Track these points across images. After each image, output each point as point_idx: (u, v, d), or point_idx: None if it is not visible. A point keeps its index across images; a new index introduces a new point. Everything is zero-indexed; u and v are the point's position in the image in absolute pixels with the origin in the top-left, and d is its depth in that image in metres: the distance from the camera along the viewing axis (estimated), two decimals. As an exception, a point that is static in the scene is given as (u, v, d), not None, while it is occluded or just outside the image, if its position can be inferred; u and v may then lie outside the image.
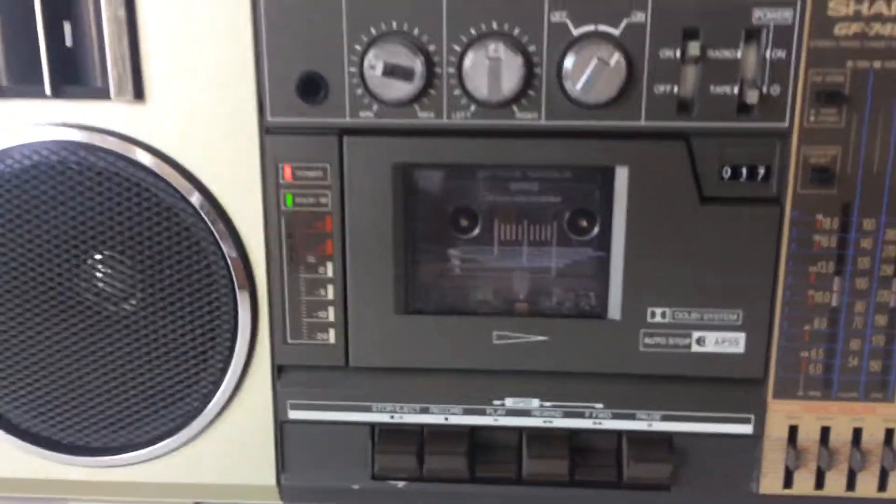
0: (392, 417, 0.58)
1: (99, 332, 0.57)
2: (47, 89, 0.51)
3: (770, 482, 0.58)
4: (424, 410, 0.57)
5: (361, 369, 0.57)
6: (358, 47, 0.50)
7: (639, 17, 0.50)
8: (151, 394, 0.58)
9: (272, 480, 0.59)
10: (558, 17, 0.50)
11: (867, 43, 0.50)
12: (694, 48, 0.50)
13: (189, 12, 0.50)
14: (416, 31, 0.50)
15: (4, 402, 0.58)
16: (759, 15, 0.49)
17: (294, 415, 0.58)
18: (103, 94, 0.52)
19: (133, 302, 0.56)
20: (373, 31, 0.50)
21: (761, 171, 0.52)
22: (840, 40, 0.50)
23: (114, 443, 0.59)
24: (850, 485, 0.58)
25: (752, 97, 0.50)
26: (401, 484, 0.59)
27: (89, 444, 0.59)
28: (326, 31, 0.50)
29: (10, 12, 0.51)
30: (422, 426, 0.58)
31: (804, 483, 0.58)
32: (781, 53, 0.50)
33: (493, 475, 0.58)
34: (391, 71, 0.50)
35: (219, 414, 0.58)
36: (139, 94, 0.52)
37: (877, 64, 0.50)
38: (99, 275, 0.56)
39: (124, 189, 0.53)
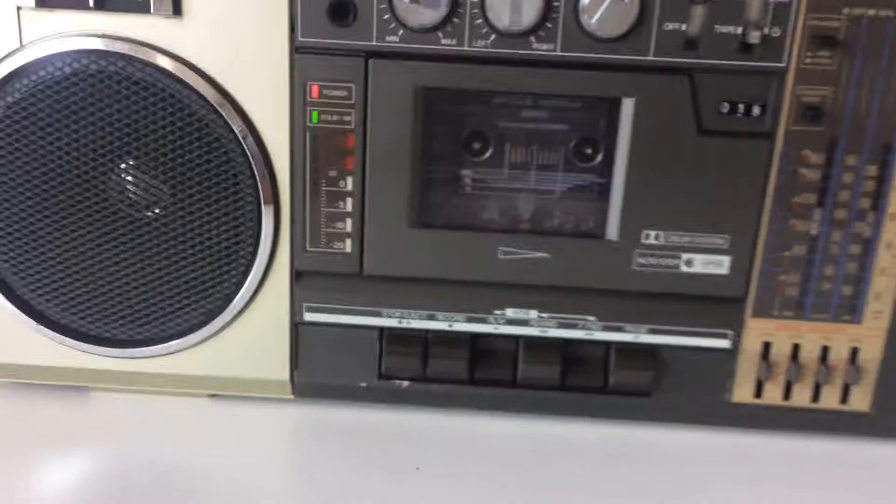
0: (400, 322, 0.61)
1: (128, 234, 0.59)
2: (90, 1, 0.53)
3: (742, 392, 0.62)
4: (430, 317, 0.61)
5: (374, 277, 0.60)
6: (387, -26, 0.53)
7: None
8: (176, 292, 0.60)
9: (286, 376, 0.63)
10: None
11: None
12: None
13: None
14: (443, -38, 0.52)
15: (38, 295, 0.61)
16: None
17: (309, 317, 0.61)
18: (143, 8, 0.53)
19: (161, 207, 0.59)
20: (402, -40, 0.52)
21: (757, 107, 0.55)
22: None
23: (139, 335, 0.62)
24: (815, 397, 0.62)
25: (754, 38, 0.53)
26: (405, 383, 0.63)
27: (116, 336, 0.62)
28: None
29: None
30: (427, 331, 0.61)
31: (773, 394, 0.62)
32: None
33: (490, 378, 0.62)
34: (418, -2, 0.53)
35: (239, 313, 0.61)
36: (177, 9, 0.54)
37: (871, 11, 0.53)
38: (129, 180, 0.58)
39: (159, 99, 0.55)
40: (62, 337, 0.62)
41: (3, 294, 0.61)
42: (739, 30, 0.53)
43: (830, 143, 0.56)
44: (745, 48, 0.54)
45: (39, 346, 0.62)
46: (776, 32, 0.53)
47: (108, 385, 0.65)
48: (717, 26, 0.53)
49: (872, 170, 0.56)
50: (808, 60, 0.54)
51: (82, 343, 0.62)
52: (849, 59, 0.54)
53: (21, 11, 0.54)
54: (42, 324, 0.61)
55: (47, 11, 0.54)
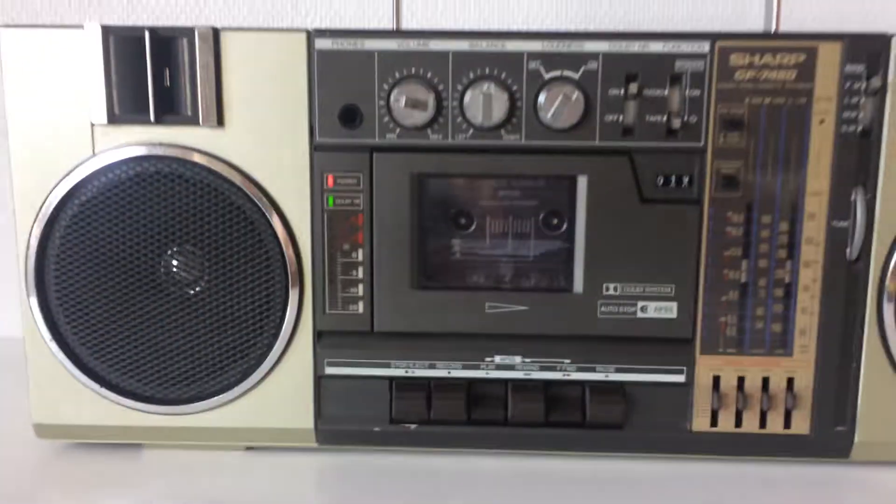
0: (406, 372, 0.72)
1: (175, 308, 0.70)
2: (151, 117, 0.67)
3: (700, 422, 0.72)
4: (432, 366, 0.72)
5: (383, 334, 0.71)
6: (386, 86, 0.67)
7: (593, 65, 0.67)
8: (217, 355, 0.71)
9: (311, 425, 0.73)
10: (534, 65, 0.67)
11: (759, 85, 0.67)
12: (634, 88, 0.67)
13: (260, 59, 0.67)
14: (429, 75, 0.67)
15: (101, 362, 0.72)
16: (681, 64, 0.67)
17: (330, 371, 0.72)
18: (194, 121, 0.67)
19: (202, 285, 0.71)
20: (397, 74, 0.67)
21: (685, 179, 0.69)
22: (740, 83, 0.67)
23: (186, 394, 0.73)
24: (762, 423, 0.71)
25: (676, 124, 0.67)
26: (413, 426, 0.73)
27: (167, 396, 0.73)
28: (363, 75, 0.67)
29: (122, 61, 0.67)
30: (430, 379, 0.72)
31: (727, 422, 0.71)
32: (697, 92, 0.67)
33: (485, 418, 0.71)
34: (410, 104, 0.67)
35: (270, 371, 0.71)
36: (220, 121, 0.68)
37: (767, 100, 0.67)
38: (176, 263, 0.71)
39: (205, 193, 0.69)
40: (120, 398, 0.73)
41: (72, 362, 0.72)
42: (665, 118, 0.67)
43: (747, 205, 0.69)
44: (671, 132, 0.68)
45: (100, 407, 0.73)
46: (694, 119, 0.67)
47: (159, 441, 0.75)
48: (647, 116, 0.67)
49: (784, 226, 0.69)
50: (721, 140, 0.68)
51: (137, 402, 0.73)
52: (754, 138, 0.68)
53: (95, 127, 0.68)
54: (104, 387, 0.73)
55: (116, 127, 0.68)
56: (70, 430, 0.75)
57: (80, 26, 0.66)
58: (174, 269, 0.71)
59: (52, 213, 0.69)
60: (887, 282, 0.69)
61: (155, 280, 0.71)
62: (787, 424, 0.72)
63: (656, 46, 0.66)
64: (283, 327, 0.71)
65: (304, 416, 0.73)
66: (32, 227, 0.69)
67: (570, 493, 0.70)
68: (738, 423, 0.72)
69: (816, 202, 0.68)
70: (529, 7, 0.95)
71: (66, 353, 0.72)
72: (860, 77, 0.66)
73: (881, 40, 0.66)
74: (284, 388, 0.73)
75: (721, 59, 0.66)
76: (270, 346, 0.72)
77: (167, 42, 0.66)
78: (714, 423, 0.72)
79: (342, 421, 0.73)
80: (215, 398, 0.73)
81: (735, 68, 0.66)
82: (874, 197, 0.68)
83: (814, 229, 0.69)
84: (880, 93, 0.66)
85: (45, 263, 0.70)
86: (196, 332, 0.72)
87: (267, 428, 0.74)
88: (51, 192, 0.69)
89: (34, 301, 0.70)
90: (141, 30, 0.66)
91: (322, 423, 0.73)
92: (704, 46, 0.66)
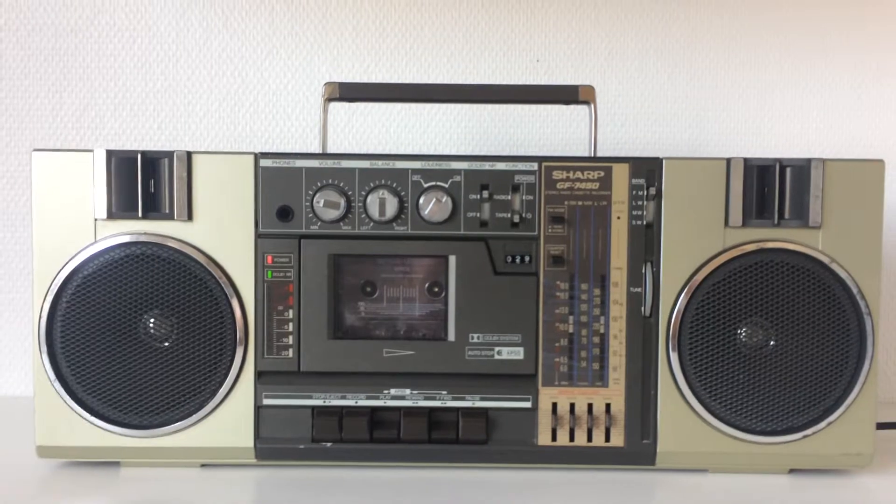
0: (324, 402, 0.95)
1: (150, 357, 1.00)
2: (139, 214, 1.00)
3: (543, 438, 0.93)
4: (343, 398, 0.94)
5: (307, 373, 0.94)
6: (310, 192, 1.01)
7: (457, 178, 0.99)
8: (180, 390, 0.94)
9: (251, 444, 0.95)
10: (416, 177, 0.96)
11: (574, 192, 1.01)
12: (487, 194, 0.95)
13: (220, 173, 0.97)
14: (341, 184, 1.01)
15: (91, 395, 0.96)
16: (519, 178, 0.98)
17: (266, 402, 0.94)
18: (169, 217, 0.95)
19: (173, 340, 1.03)
20: (318, 183, 1.01)
21: (526, 258, 0.95)
22: (561, 191, 1.00)
23: (155, 421, 0.95)
24: (589, 438, 0.93)
25: (517, 219, 0.96)
26: (329, 444, 0.94)
27: (140, 423, 0.94)
28: (294, 184, 0.99)
29: (119, 174, 0.99)
30: (341, 407, 0.94)
31: (563, 437, 0.93)
32: (531, 197, 0.97)
33: (383, 437, 0.92)
34: (328, 205, 1.02)
35: (220, 402, 0.93)
36: (190, 217, 0.98)
37: (580, 202, 1.02)
38: (153, 323, 1.04)
39: (176, 269, 0.98)
40: (105, 423, 0.99)
41: (70, 396, 1.02)
42: (509, 215, 1.03)
43: (570, 276, 0.97)
44: (514, 225, 1.02)
45: (88, 432, 0.98)
46: (530, 216, 1.01)
47: (133, 458, 1.02)
48: (496, 214, 1.02)
49: (597, 291, 1.02)
50: (550, 230, 1.01)
51: (117, 427, 0.99)
52: (573, 229, 1.03)
53: (97, 221, 1.01)
54: (93, 415, 1.01)
55: (112, 221, 1.01)
56: (65, 451, 0.96)
57: (90, 150, 0.99)
58: (151, 328, 1.03)
59: (61, 286, 0.99)
60: (671, 330, 1.01)
61: (136, 336, 1.02)
62: (608, 439, 0.94)
63: (501, 165, 0.99)
64: (232, 369, 0.96)
65: (246, 438, 0.95)
66: (45, 296, 0.99)
67: (447, 494, 0.89)
68: (572, 438, 0.94)
69: (619, 274, 0.99)
70: (425, 133, 1.34)
71: (65, 389, 1.00)
72: (642, 187, 0.99)
73: (655, 162, 0.98)
74: (231, 416, 0.94)
75: (546, 174, 0.96)
76: (221, 383, 1.01)
77: (153, 161, 0.99)
78: (554, 438, 0.94)
79: (275, 441, 0.95)
80: (177, 423, 0.94)
81: (556, 180, 0.96)
82: (658, 270, 0.97)
83: (618, 293, 0.97)
84: (656, 198, 0.98)
85: (53, 323, 1.00)
86: (165, 374, 1.00)
87: (217, 447, 0.96)
88: (61, 270, 0.99)
89: (45, 351, 1.00)
90: (135, 153, 0.99)
91: (260, 443, 0.95)
92: (534, 166, 0.99)
